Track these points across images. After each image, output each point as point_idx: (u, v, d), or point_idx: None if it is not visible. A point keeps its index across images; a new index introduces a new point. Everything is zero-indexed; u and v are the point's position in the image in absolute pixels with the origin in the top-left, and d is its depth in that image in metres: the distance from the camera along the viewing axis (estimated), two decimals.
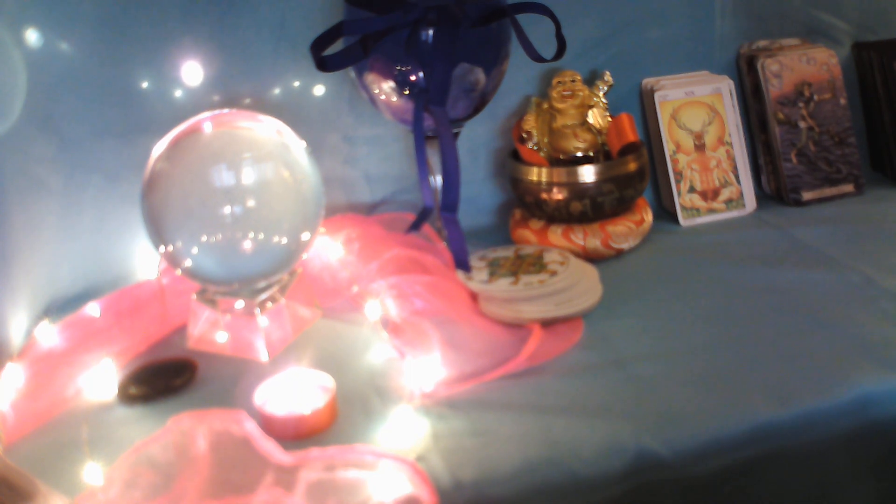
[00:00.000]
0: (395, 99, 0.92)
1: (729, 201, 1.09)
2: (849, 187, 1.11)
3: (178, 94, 0.98)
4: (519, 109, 1.09)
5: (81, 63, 0.94)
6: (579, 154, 1.02)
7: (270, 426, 0.70)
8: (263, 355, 0.83)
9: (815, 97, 1.11)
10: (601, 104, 1.05)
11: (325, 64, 0.85)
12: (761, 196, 1.13)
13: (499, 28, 0.93)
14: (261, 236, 0.80)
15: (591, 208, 0.98)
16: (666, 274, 0.95)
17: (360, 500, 0.62)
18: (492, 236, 1.06)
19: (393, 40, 0.87)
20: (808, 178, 1.10)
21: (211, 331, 0.86)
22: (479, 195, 1.11)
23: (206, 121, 0.82)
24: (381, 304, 0.86)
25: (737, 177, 1.10)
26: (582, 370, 0.77)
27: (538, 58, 0.89)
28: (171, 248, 0.80)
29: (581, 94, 1.03)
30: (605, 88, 1.05)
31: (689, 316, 0.85)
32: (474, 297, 0.89)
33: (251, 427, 0.68)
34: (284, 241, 0.82)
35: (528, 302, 0.85)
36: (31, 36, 0.91)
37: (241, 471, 0.65)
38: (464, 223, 0.89)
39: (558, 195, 0.98)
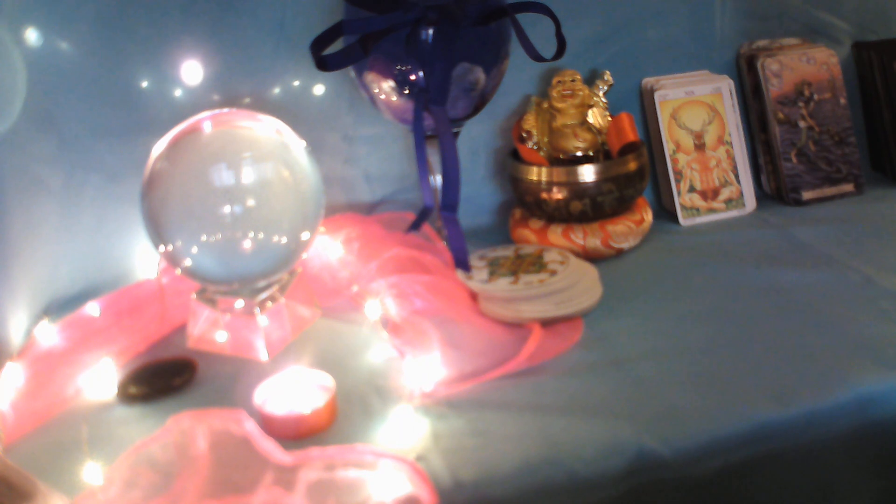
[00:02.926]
0: (395, 98, 0.92)
1: (729, 201, 1.09)
2: (849, 187, 1.11)
3: (177, 93, 0.98)
4: (519, 109, 1.09)
5: (81, 63, 0.94)
6: (579, 154, 1.02)
7: (270, 426, 0.70)
8: (263, 355, 0.83)
9: (815, 97, 1.11)
10: (601, 104, 1.05)
11: (325, 63, 0.85)
12: (761, 196, 1.13)
13: (499, 28, 0.93)
14: (261, 236, 0.80)
15: (591, 208, 0.98)
16: (666, 274, 0.95)
17: (360, 500, 0.62)
18: (492, 236, 1.06)
19: (393, 40, 0.87)
20: (808, 178, 1.10)
21: (211, 330, 0.86)
22: (479, 195, 1.11)
23: (205, 120, 0.82)
24: (381, 304, 0.86)
25: (737, 176, 1.10)
26: (582, 370, 0.77)
27: (538, 57, 0.89)
28: (170, 247, 0.80)
29: (581, 93, 1.03)
30: (605, 88, 1.05)
31: (689, 316, 0.85)
32: (474, 296, 0.89)
33: (251, 427, 0.68)
34: (284, 240, 0.82)
35: (527, 301, 0.84)
36: (31, 36, 0.91)
37: (241, 470, 0.65)
38: (464, 223, 0.89)
39: (558, 195, 0.98)
